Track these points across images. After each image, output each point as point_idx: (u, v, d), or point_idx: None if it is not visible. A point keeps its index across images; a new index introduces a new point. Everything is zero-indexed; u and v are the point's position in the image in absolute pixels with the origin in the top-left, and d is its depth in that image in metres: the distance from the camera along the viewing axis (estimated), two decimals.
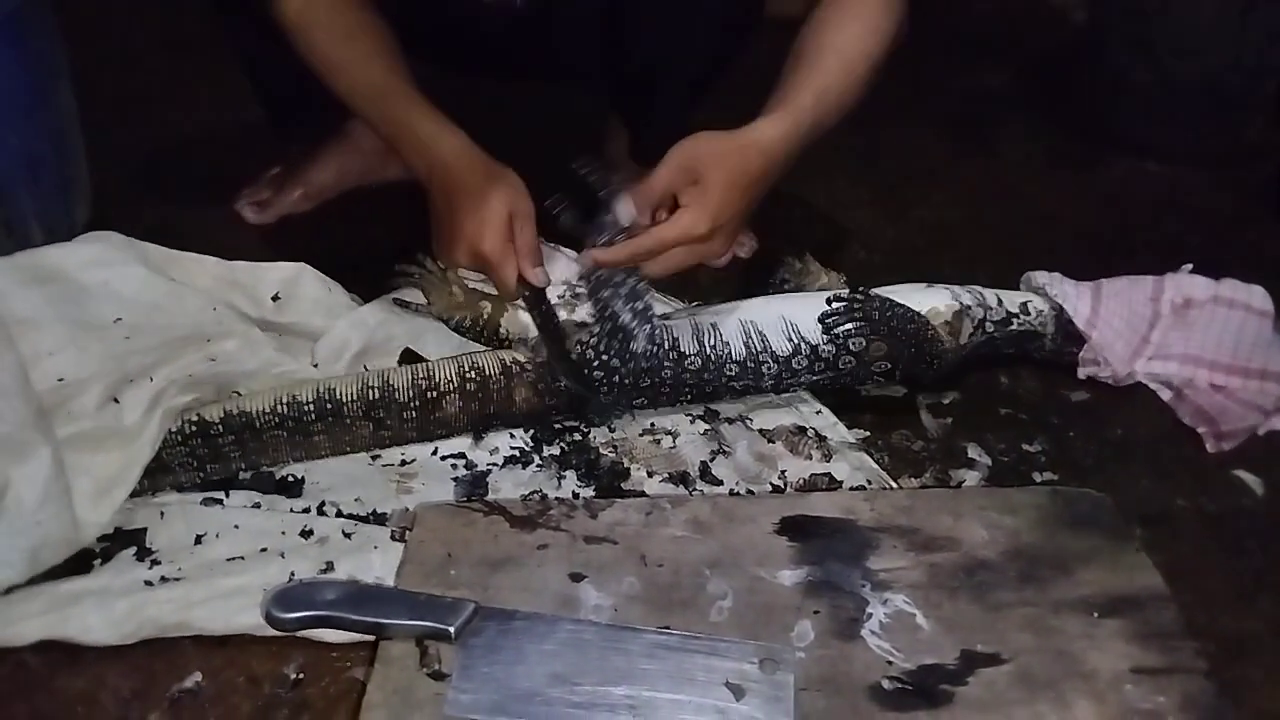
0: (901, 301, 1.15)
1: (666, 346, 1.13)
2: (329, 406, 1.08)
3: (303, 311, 1.23)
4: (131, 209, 1.47)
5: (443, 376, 1.11)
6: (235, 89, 1.64)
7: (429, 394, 1.11)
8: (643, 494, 1.07)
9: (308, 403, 1.08)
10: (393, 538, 1.00)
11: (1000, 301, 1.19)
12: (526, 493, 1.07)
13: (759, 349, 1.13)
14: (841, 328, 1.13)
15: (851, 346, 1.14)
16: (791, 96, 1.15)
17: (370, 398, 1.09)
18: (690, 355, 1.13)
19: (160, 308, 1.16)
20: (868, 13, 1.20)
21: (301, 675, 0.90)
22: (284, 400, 1.08)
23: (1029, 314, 1.20)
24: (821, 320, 1.14)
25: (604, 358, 1.12)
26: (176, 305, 1.16)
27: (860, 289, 1.15)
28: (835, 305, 1.14)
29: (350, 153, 1.57)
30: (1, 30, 1.20)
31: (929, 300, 1.17)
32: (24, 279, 1.11)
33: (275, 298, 1.23)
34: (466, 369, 1.12)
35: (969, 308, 1.17)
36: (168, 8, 2.04)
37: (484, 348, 1.20)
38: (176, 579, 0.95)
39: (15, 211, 1.29)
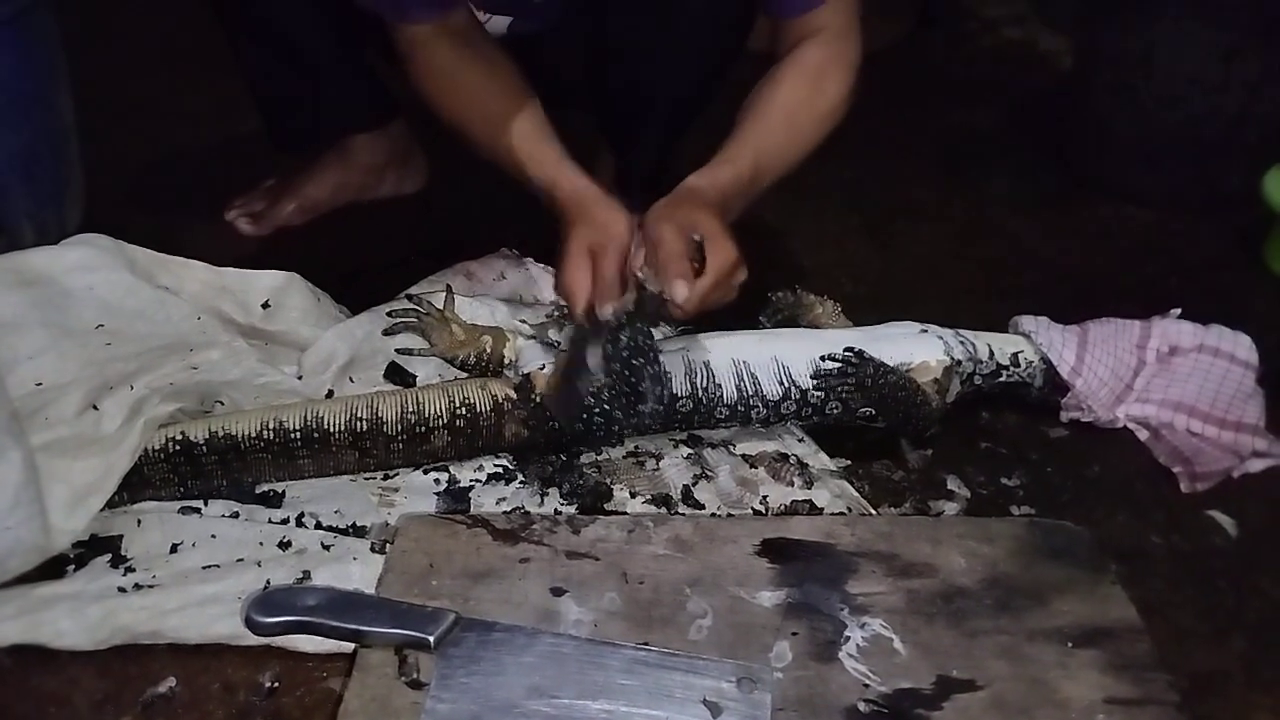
0: (894, 350, 1.16)
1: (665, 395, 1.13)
2: (315, 435, 1.07)
3: (291, 320, 1.23)
4: (124, 216, 1.47)
5: (432, 411, 1.10)
6: (232, 100, 1.65)
7: (418, 429, 1.09)
8: (625, 514, 1.07)
9: (294, 430, 1.07)
10: (372, 550, 1.00)
11: (992, 353, 1.19)
12: (509, 509, 1.07)
13: (750, 392, 1.14)
14: (832, 386, 1.15)
15: (840, 397, 1.15)
16: (731, 153, 1.19)
17: (358, 429, 1.08)
18: (682, 399, 1.13)
19: (143, 315, 1.15)
20: (817, 76, 1.24)
21: (277, 684, 0.90)
22: (270, 425, 1.07)
23: (1019, 365, 1.21)
24: (814, 376, 1.14)
25: (606, 406, 1.11)
26: (160, 313, 1.16)
27: (854, 351, 1.15)
28: (829, 365, 1.14)
29: (346, 168, 1.58)
30: (4, 30, 1.21)
31: (920, 352, 1.17)
32: (6, 282, 1.11)
33: (265, 305, 1.23)
34: (457, 404, 1.10)
35: (959, 363, 1.17)
36: (166, 19, 2.05)
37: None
38: (151, 586, 0.95)
39: (9, 210, 1.29)
